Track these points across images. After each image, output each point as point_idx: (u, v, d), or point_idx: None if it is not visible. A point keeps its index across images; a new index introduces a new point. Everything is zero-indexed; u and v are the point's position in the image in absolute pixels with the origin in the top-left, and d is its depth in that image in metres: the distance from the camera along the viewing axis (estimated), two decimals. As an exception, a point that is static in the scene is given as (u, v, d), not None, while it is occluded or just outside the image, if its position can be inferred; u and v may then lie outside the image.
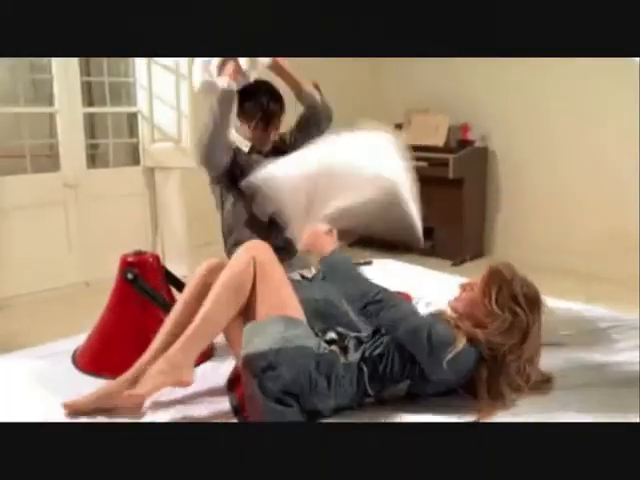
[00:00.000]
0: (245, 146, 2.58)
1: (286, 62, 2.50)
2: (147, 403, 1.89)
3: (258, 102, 2.50)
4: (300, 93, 2.56)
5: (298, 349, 1.77)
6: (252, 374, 1.75)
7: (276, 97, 2.54)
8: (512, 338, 1.80)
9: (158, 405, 1.93)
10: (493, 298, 1.82)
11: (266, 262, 1.91)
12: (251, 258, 1.90)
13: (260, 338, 1.78)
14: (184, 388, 1.91)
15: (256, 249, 1.94)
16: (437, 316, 1.94)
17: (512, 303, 1.82)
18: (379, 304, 1.84)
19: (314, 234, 2.03)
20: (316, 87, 2.59)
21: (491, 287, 1.84)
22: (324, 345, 1.86)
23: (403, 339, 1.80)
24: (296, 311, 1.89)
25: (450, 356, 1.74)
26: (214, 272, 1.97)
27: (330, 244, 2.02)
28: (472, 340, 1.80)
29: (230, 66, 2.36)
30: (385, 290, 1.90)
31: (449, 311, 1.94)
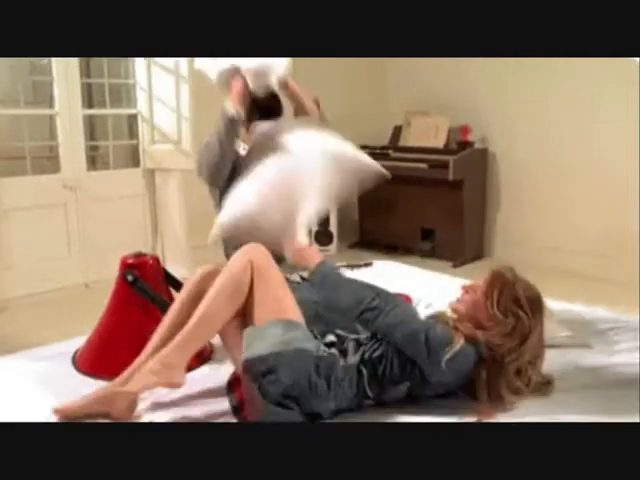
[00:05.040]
0: (243, 149, 2.61)
1: (296, 85, 2.62)
2: (141, 406, 1.88)
3: None
4: (301, 109, 2.65)
5: (297, 352, 1.77)
6: (252, 378, 1.75)
7: None
8: (512, 340, 1.81)
9: (158, 405, 1.93)
10: (495, 301, 1.82)
11: (263, 265, 1.90)
12: (248, 261, 1.89)
13: (259, 342, 1.78)
14: (177, 389, 1.90)
15: (253, 252, 1.93)
16: (436, 317, 1.94)
17: (514, 306, 1.82)
18: (374, 311, 1.83)
19: (298, 250, 2.02)
20: (316, 103, 2.67)
21: (494, 290, 1.84)
22: (323, 348, 1.86)
23: (401, 344, 1.80)
24: (294, 314, 1.89)
25: (448, 356, 1.74)
26: (209, 278, 1.96)
27: (317, 256, 1.99)
28: (471, 340, 1.80)
29: (237, 85, 2.42)
30: (380, 294, 1.89)
31: (450, 312, 1.94)
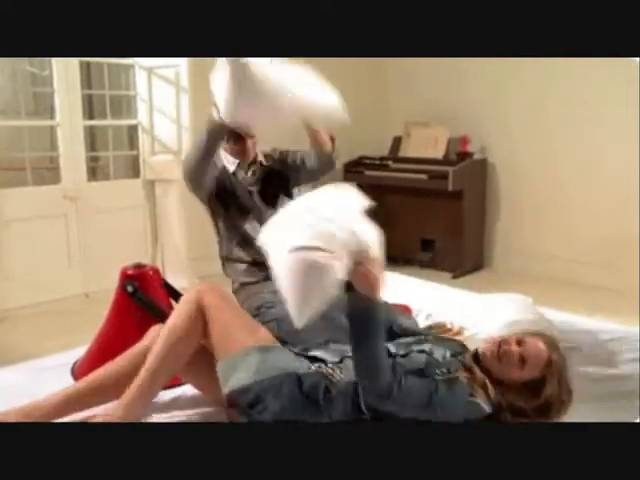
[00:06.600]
0: (232, 164, 2.58)
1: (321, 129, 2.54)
2: None
3: None
4: (318, 145, 2.57)
5: (280, 377, 1.73)
6: (240, 411, 1.73)
7: None
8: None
9: (158, 405, 1.94)
10: (545, 394, 1.72)
11: (211, 306, 1.84)
12: (192, 307, 1.84)
13: (238, 373, 1.74)
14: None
15: (198, 295, 1.86)
16: (435, 327, 1.87)
17: (555, 397, 1.74)
18: (384, 392, 1.66)
19: (367, 272, 1.64)
20: (332, 139, 2.60)
21: (545, 380, 1.73)
22: (307, 364, 1.81)
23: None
24: (262, 339, 1.84)
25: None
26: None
27: (381, 286, 1.65)
28: (482, 389, 1.71)
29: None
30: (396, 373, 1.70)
31: (480, 350, 1.80)
